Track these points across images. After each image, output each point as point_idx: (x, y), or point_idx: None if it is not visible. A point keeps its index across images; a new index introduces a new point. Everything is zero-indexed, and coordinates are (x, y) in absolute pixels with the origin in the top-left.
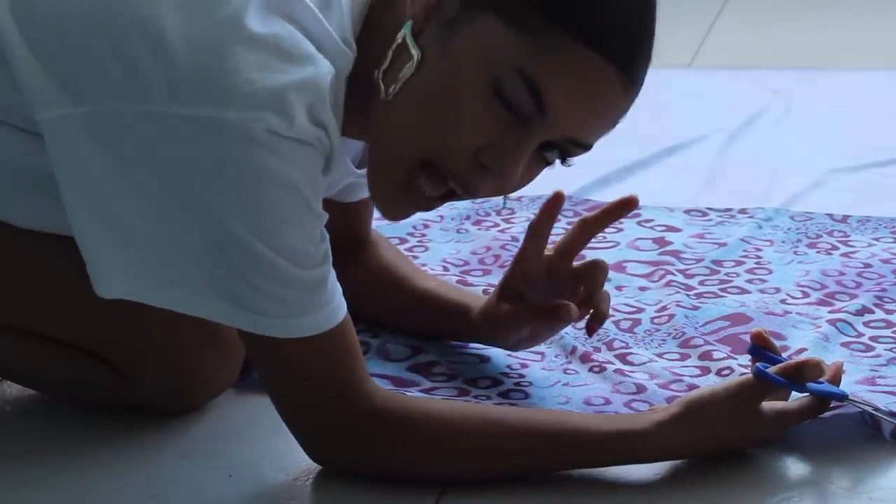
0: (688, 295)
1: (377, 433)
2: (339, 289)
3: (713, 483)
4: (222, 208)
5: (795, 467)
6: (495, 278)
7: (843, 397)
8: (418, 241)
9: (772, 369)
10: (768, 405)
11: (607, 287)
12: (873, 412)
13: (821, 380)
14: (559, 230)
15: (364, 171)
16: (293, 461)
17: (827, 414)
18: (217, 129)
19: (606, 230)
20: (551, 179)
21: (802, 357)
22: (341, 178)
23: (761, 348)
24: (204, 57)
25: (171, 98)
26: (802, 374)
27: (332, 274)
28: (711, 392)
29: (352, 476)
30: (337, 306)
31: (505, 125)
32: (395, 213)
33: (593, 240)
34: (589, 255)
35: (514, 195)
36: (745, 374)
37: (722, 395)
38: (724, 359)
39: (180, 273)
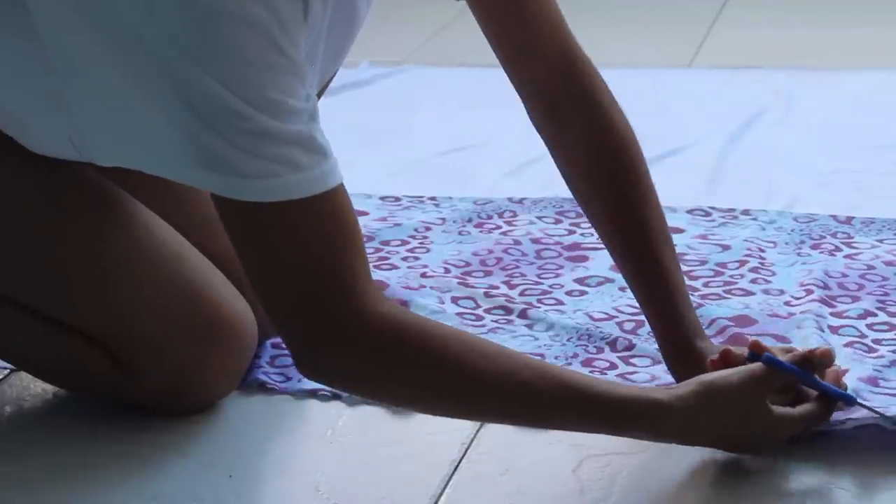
0: (691, 294)
1: (380, 345)
2: (333, 157)
3: (720, 485)
4: (186, 56)
5: (803, 470)
6: (497, 279)
7: (851, 400)
8: (420, 243)
9: (782, 357)
10: (774, 407)
11: (610, 287)
12: (883, 416)
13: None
14: (561, 230)
15: None
16: (293, 461)
17: (837, 420)
18: None
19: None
20: (554, 184)
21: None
22: None
23: (759, 356)
24: None
25: None
26: (811, 361)
27: (323, 139)
28: (725, 375)
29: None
30: (329, 171)
31: None
32: None
33: (596, 241)
34: (591, 255)
35: (516, 197)
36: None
37: (734, 380)
38: None
39: (160, 138)
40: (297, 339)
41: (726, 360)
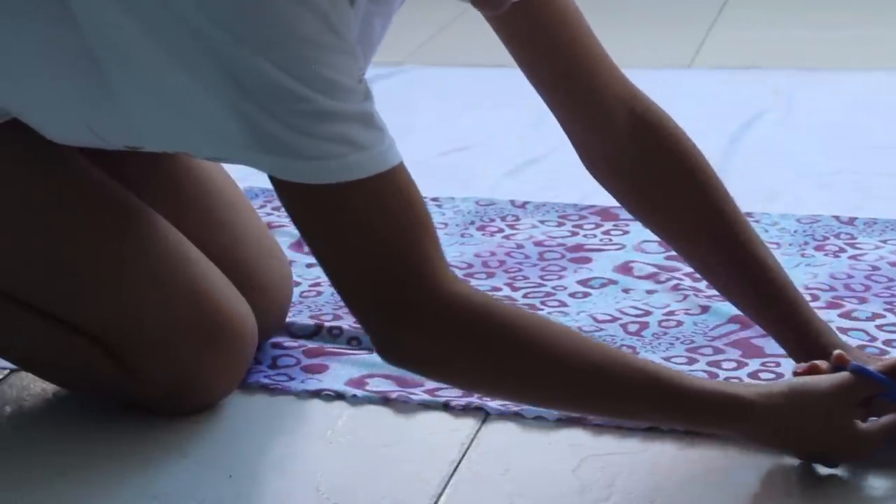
0: (696, 296)
1: (457, 326)
2: (390, 136)
3: (720, 484)
4: (233, 38)
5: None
6: (500, 281)
7: None
8: None
9: (871, 366)
10: (857, 422)
11: (614, 289)
12: None
13: None
14: (564, 232)
15: None
16: (292, 462)
17: None
18: None
19: (612, 232)
20: (555, 183)
21: None
22: None
23: (844, 367)
24: None
25: None
26: None
27: (379, 117)
28: (814, 381)
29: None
30: (388, 149)
31: None
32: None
33: (599, 242)
34: (595, 256)
35: (518, 201)
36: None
37: (823, 387)
38: (733, 369)
39: (214, 122)
40: (373, 323)
41: (812, 370)
